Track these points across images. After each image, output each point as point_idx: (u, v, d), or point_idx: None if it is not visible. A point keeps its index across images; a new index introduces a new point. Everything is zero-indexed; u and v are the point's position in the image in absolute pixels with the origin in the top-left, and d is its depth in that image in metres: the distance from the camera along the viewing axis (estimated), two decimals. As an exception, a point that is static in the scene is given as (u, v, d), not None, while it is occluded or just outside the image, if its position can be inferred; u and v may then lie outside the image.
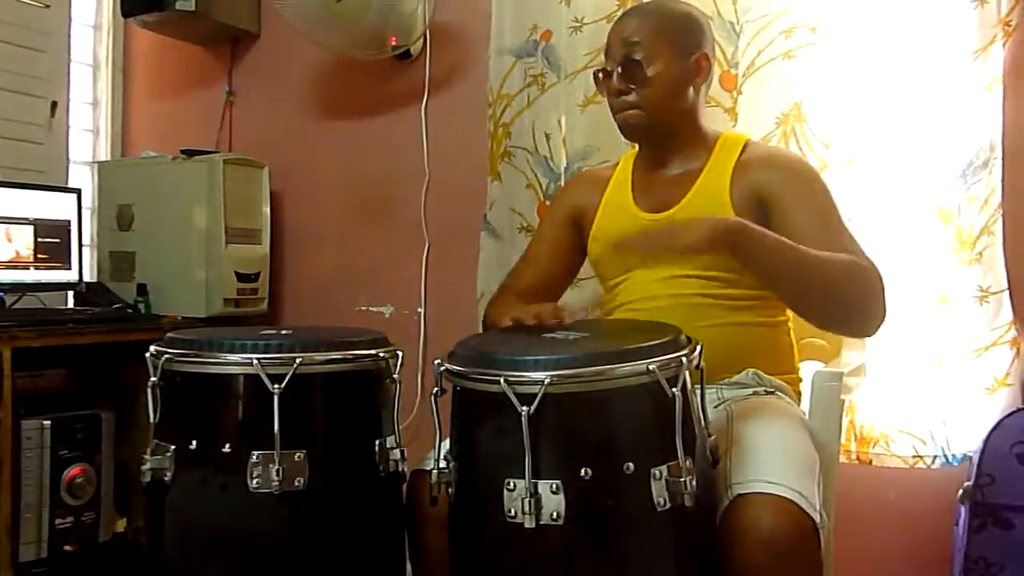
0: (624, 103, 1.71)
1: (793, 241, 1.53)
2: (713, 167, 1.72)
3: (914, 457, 2.11)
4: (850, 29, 2.15)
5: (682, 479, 1.18)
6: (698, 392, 1.32)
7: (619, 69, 1.70)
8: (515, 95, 2.60)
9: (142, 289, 2.82)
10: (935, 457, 2.10)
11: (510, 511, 1.18)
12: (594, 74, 1.78)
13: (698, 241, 1.38)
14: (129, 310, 2.76)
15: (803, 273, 1.48)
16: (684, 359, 1.24)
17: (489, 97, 2.64)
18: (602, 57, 1.79)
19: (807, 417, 1.66)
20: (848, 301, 1.52)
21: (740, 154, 1.72)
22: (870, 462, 2.14)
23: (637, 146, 1.87)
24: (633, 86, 1.69)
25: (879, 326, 1.54)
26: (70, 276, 2.78)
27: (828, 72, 2.17)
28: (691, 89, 1.73)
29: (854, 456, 2.14)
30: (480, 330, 1.90)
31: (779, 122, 2.19)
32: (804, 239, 1.53)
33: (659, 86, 1.69)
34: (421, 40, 2.82)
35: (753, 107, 2.22)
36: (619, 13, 1.97)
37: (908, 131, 2.12)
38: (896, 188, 2.13)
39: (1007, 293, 2.05)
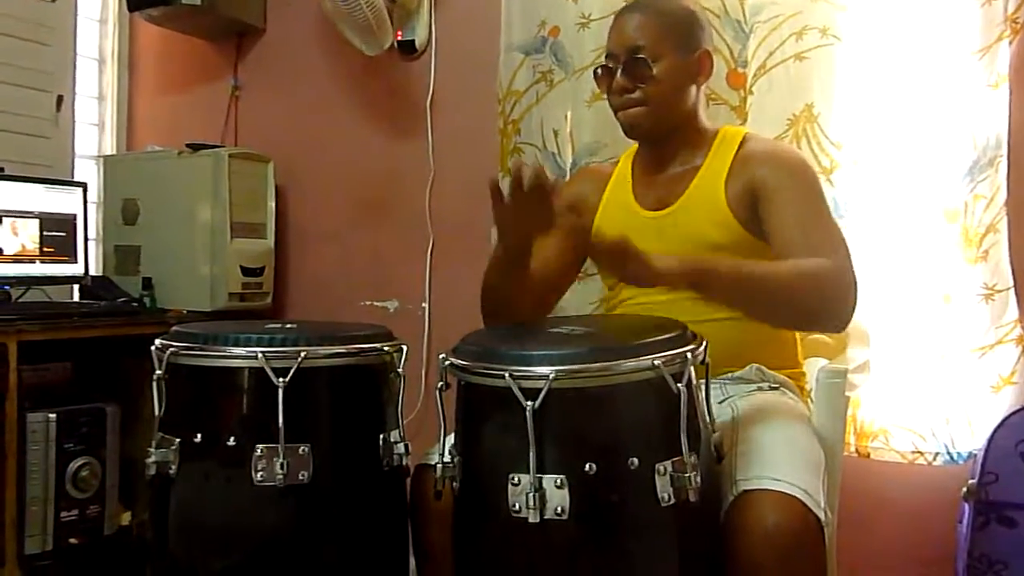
0: (628, 100, 1.70)
1: (774, 238, 1.59)
2: (711, 164, 1.72)
3: (913, 453, 2.11)
4: (859, 30, 2.15)
5: (686, 475, 1.18)
6: (703, 388, 1.32)
7: (623, 66, 1.69)
8: (524, 91, 2.60)
9: (147, 283, 2.82)
10: (936, 454, 2.09)
11: (514, 506, 1.18)
12: (595, 71, 1.77)
13: (659, 272, 1.37)
14: (134, 304, 2.76)
15: (762, 300, 1.50)
16: (689, 354, 1.24)
17: (499, 93, 2.64)
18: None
19: (811, 413, 1.66)
20: (808, 312, 1.53)
21: (738, 149, 1.71)
22: (868, 456, 2.14)
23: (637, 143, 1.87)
24: (638, 84, 1.68)
25: (847, 322, 1.55)
26: (75, 270, 2.79)
27: (838, 73, 2.17)
28: (694, 87, 1.73)
29: (852, 449, 2.15)
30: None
31: (790, 123, 2.19)
32: (783, 237, 1.58)
33: (664, 84, 1.68)
34: (426, 34, 2.82)
35: (764, 108, 2.22)
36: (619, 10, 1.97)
37: (915, 130, 2.12)
38: (903, 187, 2.13)
39: (1012, 291, 2.05)
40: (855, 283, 1.52)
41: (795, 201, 1.61)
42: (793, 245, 1.55)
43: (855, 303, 1.52)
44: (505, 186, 1.50)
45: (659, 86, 1.68)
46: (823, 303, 1.52)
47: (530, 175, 1.43)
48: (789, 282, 1.49)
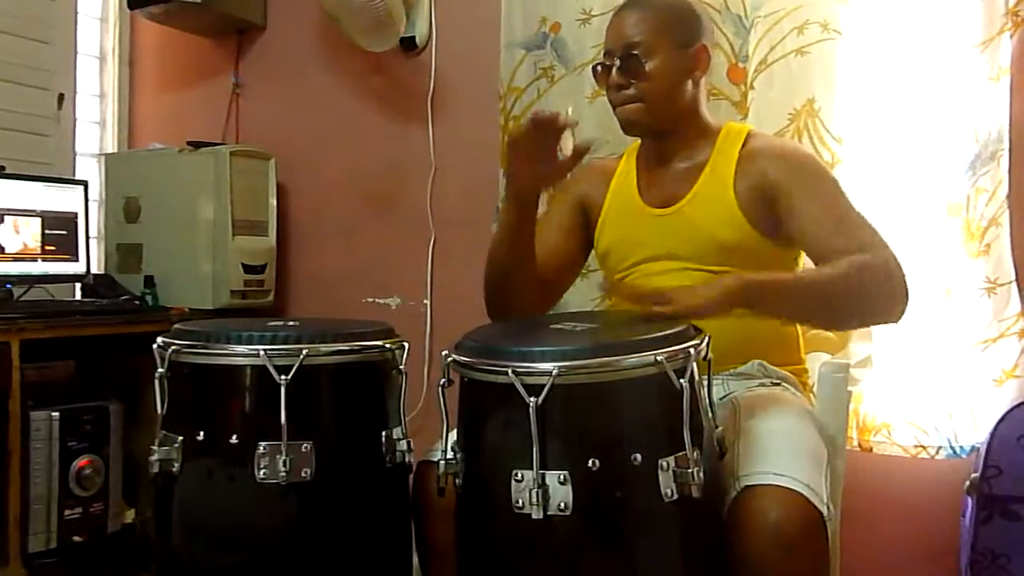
0: (624, 97, 1.70)
1: (806, 237, 1.58)
2: (717, 160, 1.71)
3: (916, 447, 2.11)
4: (860, 24, 2.15)
5: (689, 470, 1.18)
6: (705, 383, 1.32)
7: (618, 63, 1.69)
8: (525, 88, 2.60)
9: (149, 281, 2.83)
10: (939, 448, 2.10)
11: (517, 502, 1.18)
12: (593, 68, 1.77)
13: (710, 304, 1.38)
14: (136, 302, 2.77)
15: (816, 304, 1.51)
16: (692, 350, 1.24)
17: (500, 90, 2.64)
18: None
19: (814, 408, 1.66)
20: (866, 307, 1.54)
21: (743, 145, 1.71)
22: (871, 450, 2.15)
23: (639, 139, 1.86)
24: (633, 80, 1.68)
25: (903, 311, 1.54)
26: (77, 268, 2.79)
27: (839, 68, 2.17)
28: (690, 82, 1.72)
29: (855, 444, 2.15)
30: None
31: (792, 118, 2.19)
32: (817, 235, 1.57)
33: (658, 80, 1.68)
34: (427, 30, 2.81)
35: (765, 103, 2.22)
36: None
37: (916, 124, 2.12)
38: (904, 181, 2.13)
39: (1015, 284, 2.05)
40: (902, 269, 1.52)
41: (818, 198, 1.60)
42: (830, 242, 1.54)
43: (907, 289, 1.52)
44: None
45: (653, 82, 1.68)
46: (880, 297, 1.52)
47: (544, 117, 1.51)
48: (841, 284, 1.49)
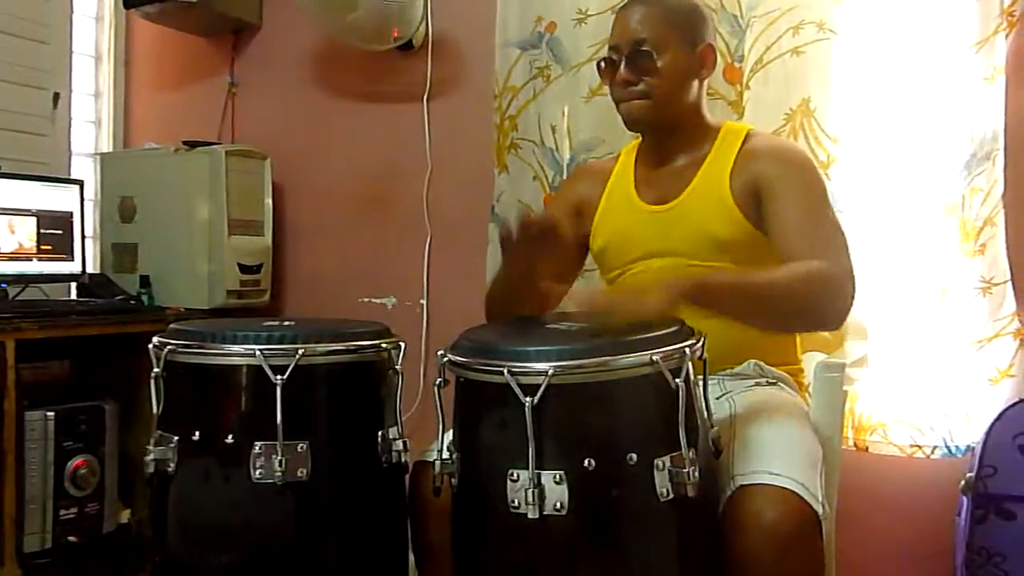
0: (631, 93, 1.69)
1: (777, 238, 1.59)
2: (715, 159, 1.72)
3: (912, 446, 2.12)
4: (855, 24, 2.16)
5: (685, 470, 1.18)
6: (701, 383, 1.32)
7: (626, 59, 1.69)
8: (521, 87, 2.60)
9: (145, 281, 2.82)
10: (935, 447, 2.10)
11: (513, 502, 1.18)
12: (597, 64, 1.77)
13: (658, 307, 1.35)
14: (132, 302, 2.76)
15: (760, 305, 1.49)
16: (687, 350, 1.24)
17: (495, 89, 2.64)
18: (606, 48, 1.78)
19: (809, 408, 1.66)
20: (803, 315, 1.54)
21: (742, 145, 1.71)
22: (866, 449, 2.15)
23: (640, 137, 1.86)
24: (643, 76, 1.68)
25: (842, 322, 1.57)
26: (73, 268, 2.79)
27: (835, 67, 2.17)
28: (696, 81, 1.73)
29: (851, 443, 2.15)
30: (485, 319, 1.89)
31: (787, 118, 2.19)
32: (785, 239, 1.58)
33: (668, 77, 1.67)
34: (423, 31, 2.81)
35: (761, 103, 2.22)
36: (622, 4, 1.98)
37: (912, 124, 2.12)
38: (900, 181, 2.14)
39: (1010, 284, 2.05)
40: (852, 283, 1.52)
41: (796, 200, 1.61)
42: (793, 246, 1.55)
43: (851, 303, 1.53)
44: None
45: (662, 79, 1.67)
46: (816, 306, 1.52)
47: (522, 225, 1.46)
48: (785, 288, 1.48)
